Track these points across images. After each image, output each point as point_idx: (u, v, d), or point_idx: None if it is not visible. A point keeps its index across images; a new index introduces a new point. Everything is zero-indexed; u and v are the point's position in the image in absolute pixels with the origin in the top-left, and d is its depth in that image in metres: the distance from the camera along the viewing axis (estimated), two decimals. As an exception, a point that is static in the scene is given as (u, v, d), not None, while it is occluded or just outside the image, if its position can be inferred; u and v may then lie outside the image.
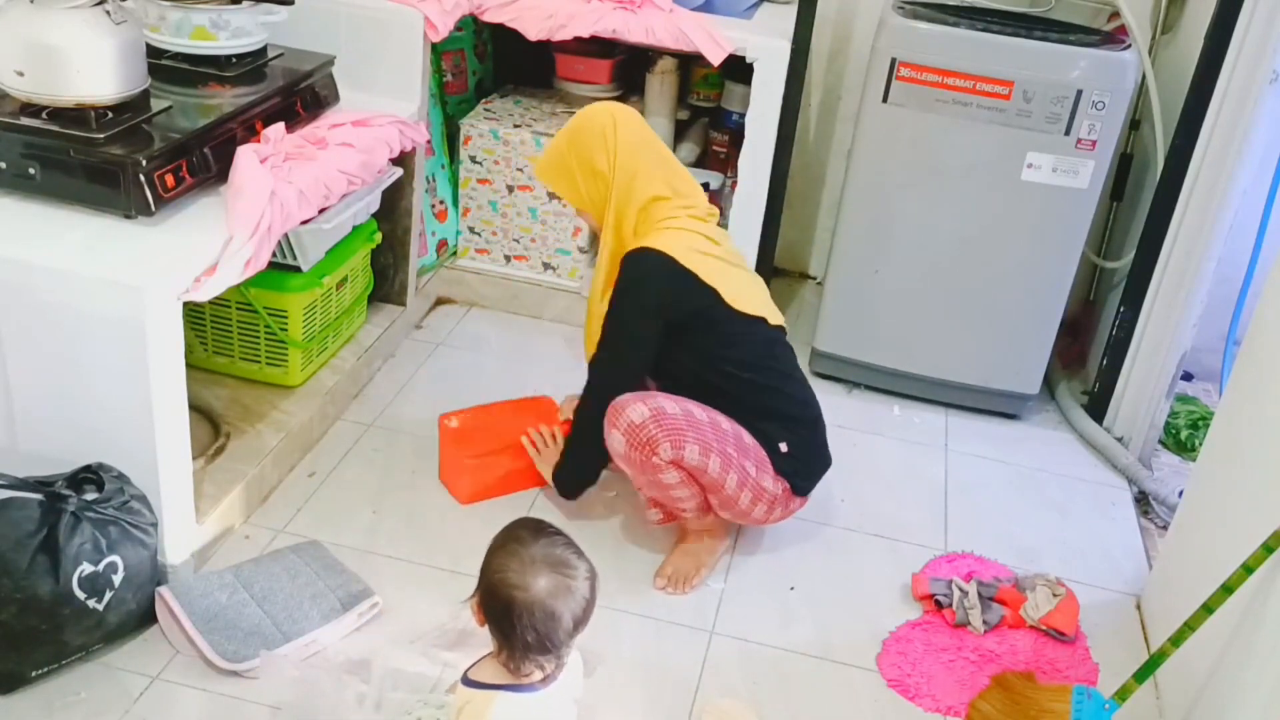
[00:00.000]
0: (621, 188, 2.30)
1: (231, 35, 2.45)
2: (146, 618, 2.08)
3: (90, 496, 1.98)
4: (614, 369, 2.30)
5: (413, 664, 2.09)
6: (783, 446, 2.28)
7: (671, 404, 2.21)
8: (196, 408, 2.41)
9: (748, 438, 2.26)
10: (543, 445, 2.49)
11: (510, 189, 3.19)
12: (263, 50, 2.53)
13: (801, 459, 2.33)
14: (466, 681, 1.73)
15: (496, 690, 1.70)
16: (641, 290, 2.24)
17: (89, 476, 2.01)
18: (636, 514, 2.46)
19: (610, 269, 2.35)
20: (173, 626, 2.07)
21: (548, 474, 2.45)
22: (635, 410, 2.19)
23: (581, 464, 2.39)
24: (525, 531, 1.75)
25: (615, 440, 2.21)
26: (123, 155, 2.05)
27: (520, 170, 3.15)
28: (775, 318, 2.37)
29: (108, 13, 2.08)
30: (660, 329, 2.25)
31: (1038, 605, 2.36)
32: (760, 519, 2.33)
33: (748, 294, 2.32)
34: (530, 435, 2.51)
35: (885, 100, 2.79)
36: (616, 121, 2.32)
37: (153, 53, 2.32)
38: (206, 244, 2.08)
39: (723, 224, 2.50)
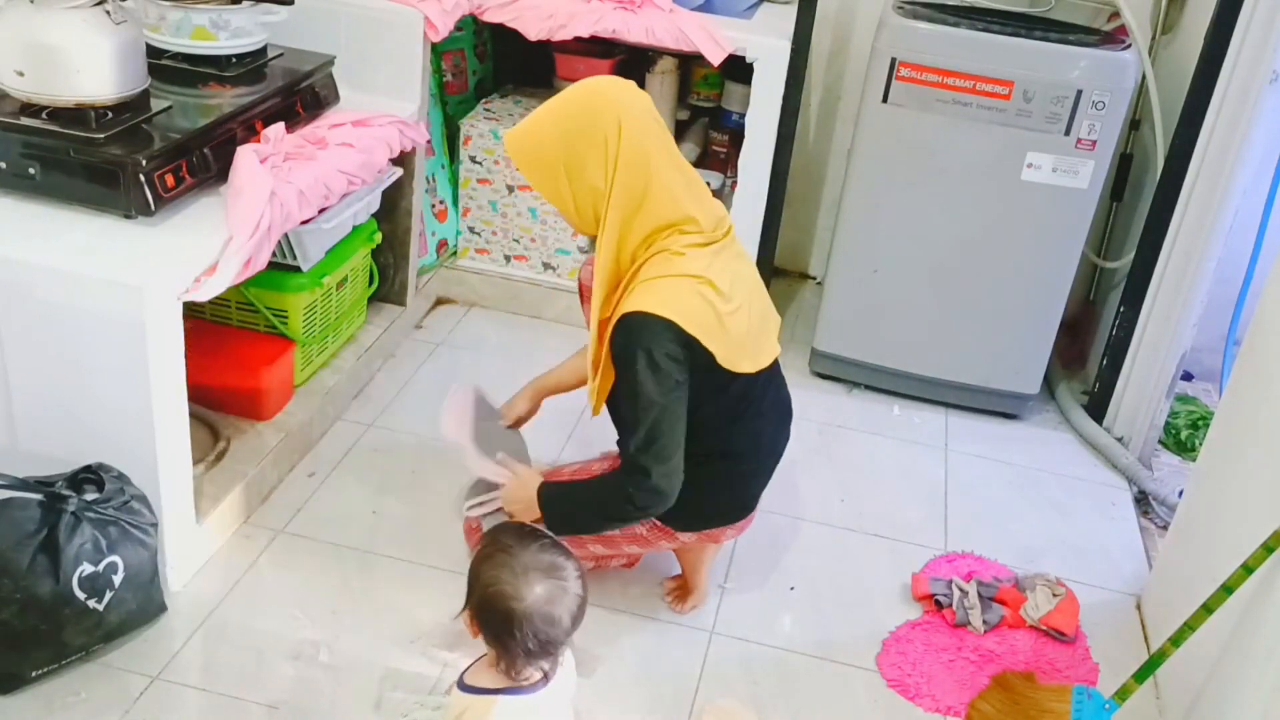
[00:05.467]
0: (622, 208, 1.94)
1: (231, 35, 2.45)
2: (146, 618, 2.08)
3: (90, 496, 1.97)
4: (655, 449, 1.95)
5: (413, 664, 2.09)
6: None
7: None
8: (195, 414, 2.41)
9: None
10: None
11: (510, 189, 3.19)
12: (263, 50, 2.53)
13: (688, 496, 2.00)
14: (463, 687, 1.72)
15: (495, 695, 1.70)
16: (649, 359, 1.91)
17: (89, 476, 2.01)
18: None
19: (605, 287, 2.01)
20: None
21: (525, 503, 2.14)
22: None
23: (580, 522, 2.10)
24: (510, 539, 1.74)
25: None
26: (123, 155, 2.05)
27: (520, 170, 3.15)
28: (765, 354, 2.09)
29: (108, 13, 2.08)
30: (685, 383, 1.95)
31: (1038, 605, 2.36)
32: (653, 552, 2.27)
33: (744, 345, 2.01)
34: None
35: (885, 100, 2.79)
36: (622, 127, 1.92)
37: (153, 53, 2.32)
38: (206, 244, 2.08)
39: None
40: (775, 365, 2.16)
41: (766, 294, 2.16)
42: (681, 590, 2.33)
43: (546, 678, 1.72)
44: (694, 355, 1.94)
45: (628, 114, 1.94)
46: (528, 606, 1.65)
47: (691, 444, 2.00)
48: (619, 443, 2.11)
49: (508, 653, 1.68)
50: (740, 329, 2.00)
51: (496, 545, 1.73)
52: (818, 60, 3.37)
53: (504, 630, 1.66)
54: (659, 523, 2.12)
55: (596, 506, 2.06)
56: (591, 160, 1.94)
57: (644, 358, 1.91)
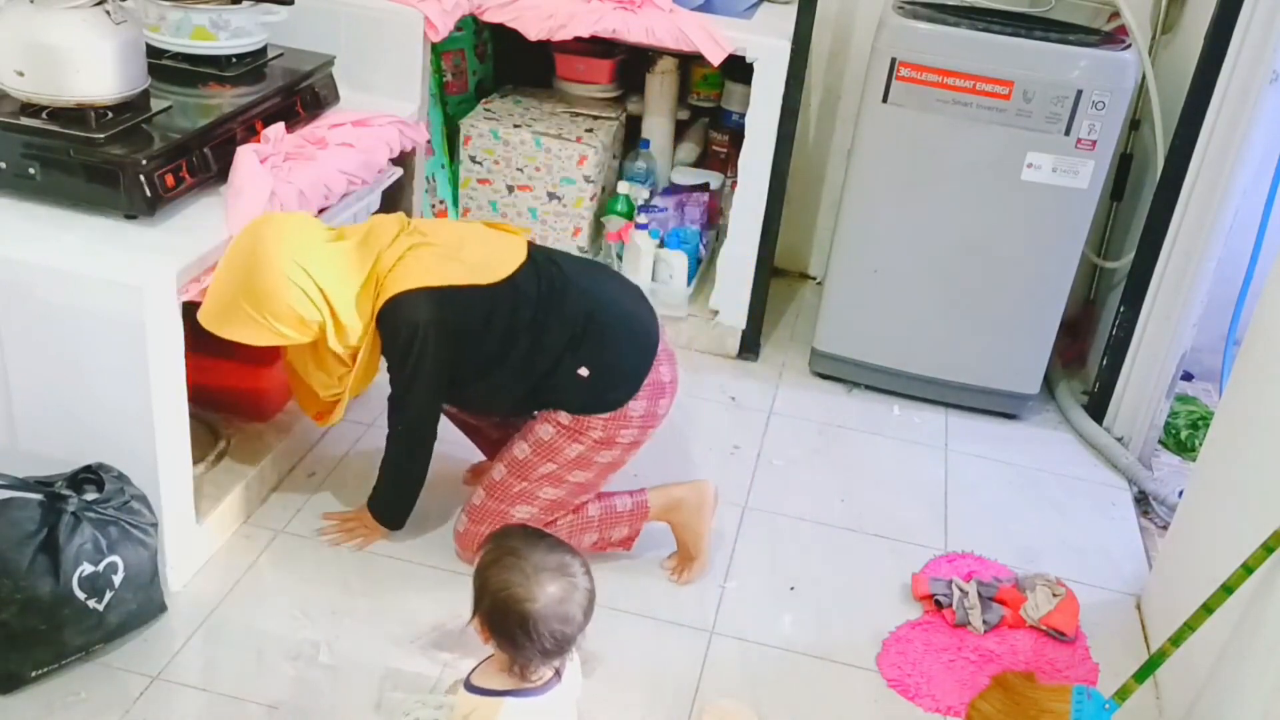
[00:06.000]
0: (339, 303, 2.08)
1: (231, 35, 2.45)
2: (146, 618, 2.08)
3: (90, 496, 1.97)
4: (420, 407, 2.20)
5: (413, 664, 2.09)
6: (582, 372, 2.15)
7: (478, 497, 2.28)
8: (195, 414, 2.41)
9: (541, 431, 2.20)
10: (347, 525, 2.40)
11: (510, 189, 3.19)
12: (263, 50, 2.53)
13: (603, 372, 2.16)
14: (470, 688, 1.72)
15: (503, 696, 1.70)
16: (423, 329, 2.08)
17: (89, 476, 2.01)
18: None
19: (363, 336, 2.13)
20: None
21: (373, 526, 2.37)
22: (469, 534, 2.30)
23: (399, 495, 2.32)
24: (516, 541, 1.74)
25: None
26: (123, 155, 2.05)
27: (520, 170, 3.15)
28: (512, 254, 2.17)
29: (108, 13, 2.08)
30: (454, 353, 2.12)
31: (1038, 605, 2.36)
32: (628, 451, 2.23)
33: (489, 257, 2.15)
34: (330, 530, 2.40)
35: (885, 100, 2.79)
36: (300, 264, 2.04)
37: (153, 53, 2.32)
38: (206, 244, 2.08)
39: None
40: (540, 252, 2.23)
41: (479, 225, 2.28)
42: (682, 560, 2.36)
43: (558, 674, 1.72)
44: (465, 304, 2.10)
45: (299, 251, 2.06)
46: (542, 607, 1.66)
47: (548, 348, 2.14)
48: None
49: (522, 654, 1.68)
50: (473, 258, 2.14)
51: (503, 549, 1.73)
52: (818, 60, 3.37)
53: (520, 633, 1.66)
54: (606, 416, 2.16)
55: (388, 468, 2.28)
56: (299, 305, 2.04)
57: (421, 329, 2.07)
